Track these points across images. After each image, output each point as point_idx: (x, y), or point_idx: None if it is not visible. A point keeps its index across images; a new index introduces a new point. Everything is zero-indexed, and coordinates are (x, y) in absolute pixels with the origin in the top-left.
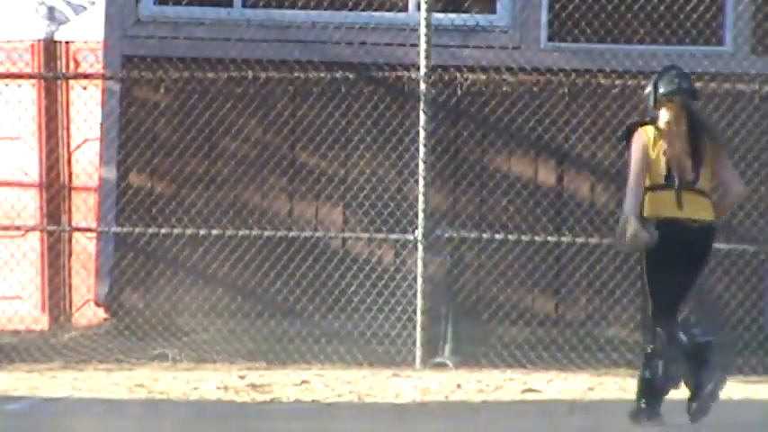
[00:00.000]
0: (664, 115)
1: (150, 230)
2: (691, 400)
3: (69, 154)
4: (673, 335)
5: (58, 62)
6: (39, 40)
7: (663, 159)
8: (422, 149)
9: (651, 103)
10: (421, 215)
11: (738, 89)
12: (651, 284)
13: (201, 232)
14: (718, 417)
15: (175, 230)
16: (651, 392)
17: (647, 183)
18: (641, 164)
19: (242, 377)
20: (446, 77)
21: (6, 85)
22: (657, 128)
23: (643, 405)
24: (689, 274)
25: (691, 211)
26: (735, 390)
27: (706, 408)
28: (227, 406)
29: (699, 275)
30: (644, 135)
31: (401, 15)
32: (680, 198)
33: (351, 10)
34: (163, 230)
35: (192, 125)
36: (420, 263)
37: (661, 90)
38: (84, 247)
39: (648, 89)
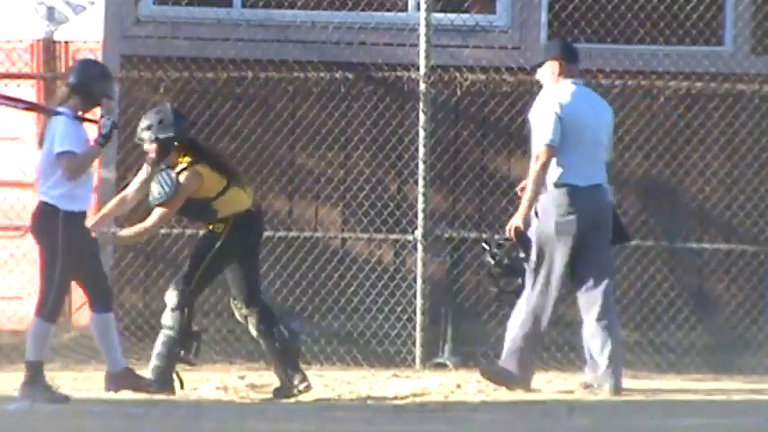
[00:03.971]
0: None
1: None
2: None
3: None
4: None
5: (58, 62)
6: (38, 40)
7: None
8: (421, 149)
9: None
10: (421, 215)
11: (738, 89)
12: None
13: (201, 232)
14: (717, 417)
15: (175, 230)
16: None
17: None
18: None
19: (242, 377)
20: (446, 77)
21: (6, 85)
22: None
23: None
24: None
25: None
26: (735, 390)
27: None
28: (227, 406)
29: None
30: None
31: (401, 15)
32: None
33: (351, 10)
34: (163, 230)
35: (191, 125)
36: (420, 263)
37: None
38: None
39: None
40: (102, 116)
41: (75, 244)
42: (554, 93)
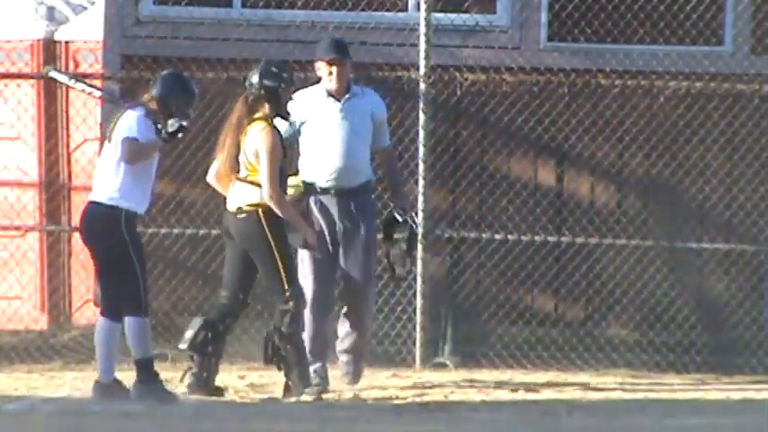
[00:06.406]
0: (268, 107)
1: (150, 230)
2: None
3: (69, 154)
4: None
5: (58, 62)
6: (38, 40)
7: None
8: (421, 149)
9: (260, 93)
10: (421, 215)
11: (738, 89)
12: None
13: (201, 232)
14: (718, 417)
15: (175, 230)
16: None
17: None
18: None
19: (242, 377)
20: (446, 77)
21: (6, 85)
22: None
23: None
24: None
25: None
26: (735, 390)
27: None
28: (228, 406)
29: None
30: (274, 131)
31: (401, 15)
32: None
33: (351, 10)
34: (163, 230)
35: (191, 125)
36: (420, 263)
37: (271, 82)
38: (84, 247)
39: (256, 80)
40: (171, 116)
41: (137, 241)
42: (371, 91)
